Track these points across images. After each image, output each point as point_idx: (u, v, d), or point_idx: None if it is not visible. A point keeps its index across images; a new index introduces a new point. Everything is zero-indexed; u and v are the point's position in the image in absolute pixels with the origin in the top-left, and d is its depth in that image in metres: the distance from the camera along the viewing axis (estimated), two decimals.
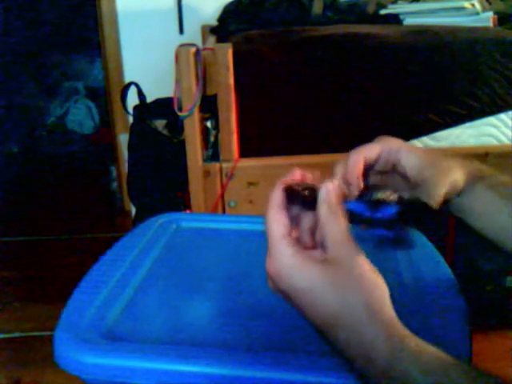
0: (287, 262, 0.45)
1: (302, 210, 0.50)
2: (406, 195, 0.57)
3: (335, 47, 1.46)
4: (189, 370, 0.52)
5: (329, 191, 0.48)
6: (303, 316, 0.45)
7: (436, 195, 0.56)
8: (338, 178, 0.57)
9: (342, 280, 0.44)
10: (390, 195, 0.54)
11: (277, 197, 0.48)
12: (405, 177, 0.58)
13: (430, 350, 0.42)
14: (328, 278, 0.44)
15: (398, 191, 0.57)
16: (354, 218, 0.52)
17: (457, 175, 0.58)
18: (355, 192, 0.56)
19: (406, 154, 0.58)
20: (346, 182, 0.57)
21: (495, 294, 1.72)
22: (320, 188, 0.48)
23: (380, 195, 0.53)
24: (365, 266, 0.45)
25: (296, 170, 0.50)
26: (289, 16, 1.94)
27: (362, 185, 0.56)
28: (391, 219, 0.53)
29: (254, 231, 0.83)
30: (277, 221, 0.47)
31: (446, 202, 0.58)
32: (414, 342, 0.42)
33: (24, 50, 4.33)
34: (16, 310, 2.00)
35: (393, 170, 0.59)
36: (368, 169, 0.59)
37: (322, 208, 0.47)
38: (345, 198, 0.51)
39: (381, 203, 0.53)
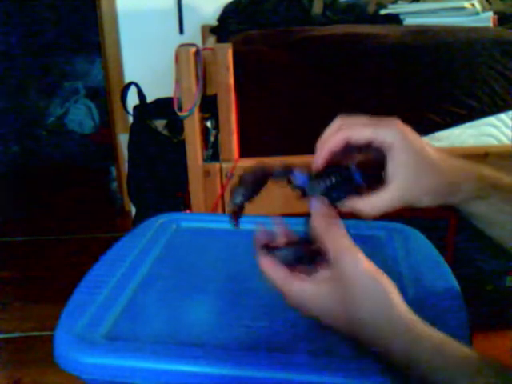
0: (299, 298, 0.48)
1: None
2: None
3: (335, 47, 1.46)
4: (189, 370, 0.52)
5: (319, 205, 0.50)
6: (336, 332, 0.48)
7: (375, 209, 0.53)
8: (317, 146, 0.56)
9: (350, 297, 0.46)
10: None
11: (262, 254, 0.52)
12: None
13: (445, 349, 0.44)
14: (337, 298, 0.47)
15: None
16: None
17: (461, 185, 0.54)
18: (313, 166, 0.55)
19: (395, 154, 0.52)
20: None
21: (495, 294, 1.72)
22: (311, 204, 0.51)
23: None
24: (368, 274, 0.47)
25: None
26: (289, 16, 1.94)
27: (322, 163, 0.54)
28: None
29: (254, 231, 0.82)
30: (271, 269, 0.50)
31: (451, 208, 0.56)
32: (429, 338, 0.44)
33: (24, 50, 4.33)
34: (16, 310, 2.00)
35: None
36: (352, 149, 0.55)
37: (317, 221, 0.49)
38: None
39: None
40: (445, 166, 0.54)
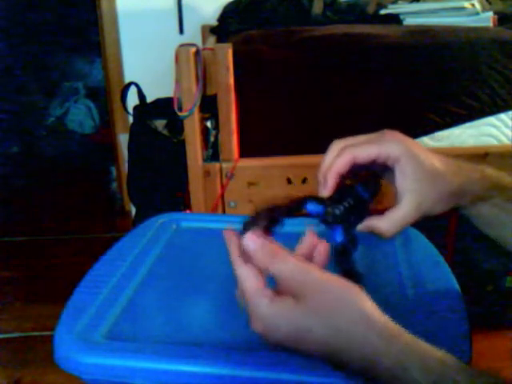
0: (267, 314, 0.45)
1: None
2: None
3: (335, 47, 1.46)
4: (189, 370, 0.51)
5: (254, 240, 0.47)
6: (307, 356, 0.45)
7: (395, 226, 0.53)
8: (321, 172, 0.55)
9: (317, 308, 0.44)
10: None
11: (235, 252, 0.48)
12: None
13: (434, 354, 0.42)
14: (305, 311, 0.44)
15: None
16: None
17: (467, 188, 0.55)
18: (324, 192, 0.54)
19: (403, 168, 0.53)
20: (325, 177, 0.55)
21: (495, 293, 1.72)
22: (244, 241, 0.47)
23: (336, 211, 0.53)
24: (326, 284, 0.44)
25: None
26: (289, 16, 1.94)
27: (332, 187, 0.54)
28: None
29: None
30: (246, 275, 0.47)
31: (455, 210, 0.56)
32: (417, 345, 0.42)
33: (24, 50, 4.33)
34: (16, 310, 2.00)
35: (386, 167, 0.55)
36: (359, 167, 0.56)
37: (259, 257, 0.46)
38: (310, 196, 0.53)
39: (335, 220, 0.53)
40: (450, 171, 0.54)
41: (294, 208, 0.54)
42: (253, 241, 0.47)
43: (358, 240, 0.54)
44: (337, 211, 0.53)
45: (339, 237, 0.53)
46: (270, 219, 0.50)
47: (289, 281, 0.45)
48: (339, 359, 0.43)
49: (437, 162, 0.54)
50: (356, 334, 0.42)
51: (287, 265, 0.45)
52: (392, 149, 0.53)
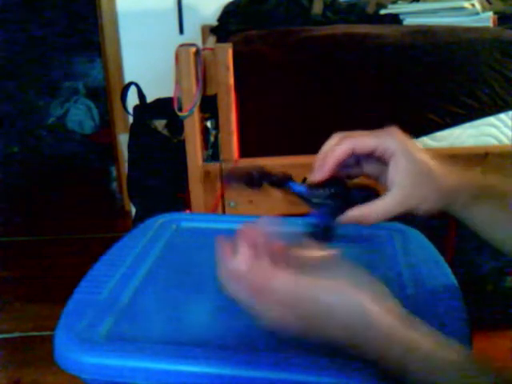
0: (290, 287, 0.46)
1: None
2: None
3: (335, 47, 1.46)
4: (189, 370, 0.51)
5: (243, 261, 0.48)
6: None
7: (376, 215, 0.55)
8: (318, 157, 0.57)
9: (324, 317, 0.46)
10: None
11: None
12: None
13: (440, 354, 0.43)
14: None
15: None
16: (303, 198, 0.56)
17: (458, 193, 0.56)
18: (318, 175, 0.56)
19: (397, 162, 0.55)
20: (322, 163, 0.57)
21: (495, 294, 1.72)
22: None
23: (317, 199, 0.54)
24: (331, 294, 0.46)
25: None
26: (289, 16, 1.94)
27: (328, 172, 0.56)
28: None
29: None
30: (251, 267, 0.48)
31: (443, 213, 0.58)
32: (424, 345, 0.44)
33: (24, 50, 4.33)
34: (16, 310, 2.00)
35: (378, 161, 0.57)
36: (356, 158, 0.58)
37: (248, 278, 0.47)
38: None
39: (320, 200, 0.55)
40: (442, 173, 0.56)
41: (278, 180, 0.56)
42: (245, 262, 0.48)
43: (334, 233, 0.55)
44: (318, 193, 0.55)
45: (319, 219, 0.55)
46: (249, 177, 0.54)
47: (283, 299, 0.47)
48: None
49: (431, 162, 0.56)
50: (362, 342, 0.45)
51: (281, 285, 0.46)
52: (389, 143, 0.55)
